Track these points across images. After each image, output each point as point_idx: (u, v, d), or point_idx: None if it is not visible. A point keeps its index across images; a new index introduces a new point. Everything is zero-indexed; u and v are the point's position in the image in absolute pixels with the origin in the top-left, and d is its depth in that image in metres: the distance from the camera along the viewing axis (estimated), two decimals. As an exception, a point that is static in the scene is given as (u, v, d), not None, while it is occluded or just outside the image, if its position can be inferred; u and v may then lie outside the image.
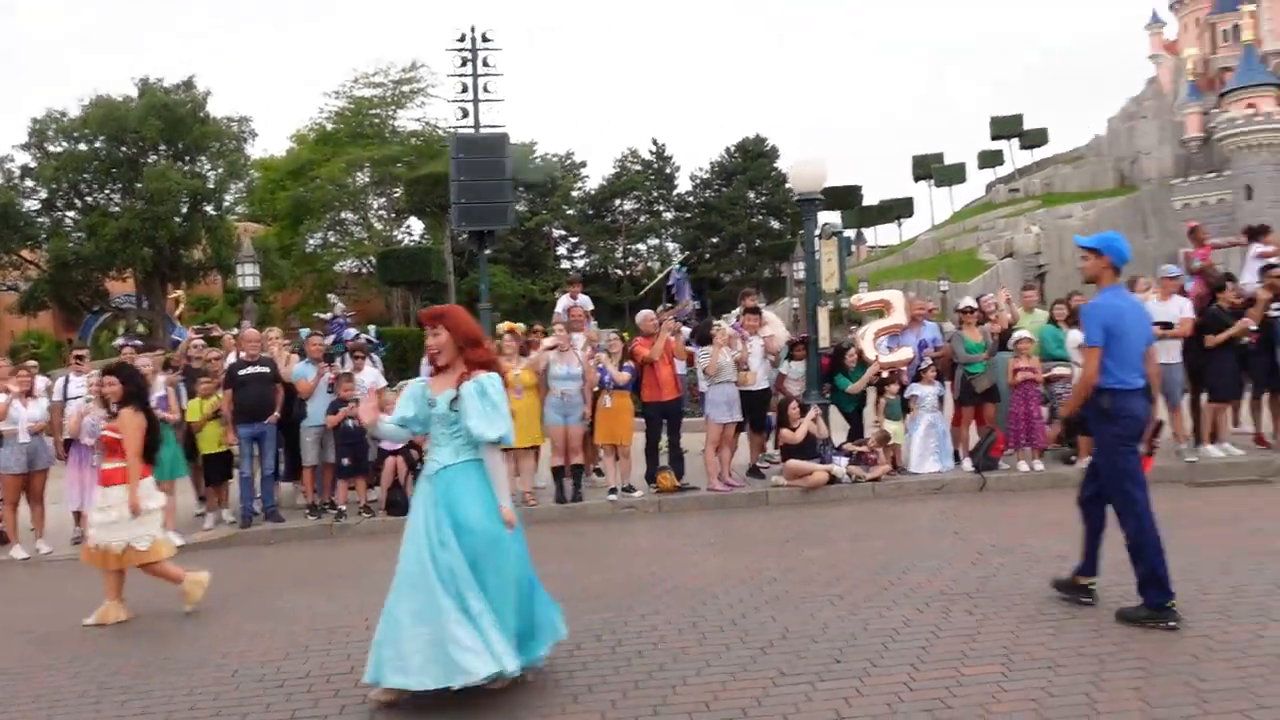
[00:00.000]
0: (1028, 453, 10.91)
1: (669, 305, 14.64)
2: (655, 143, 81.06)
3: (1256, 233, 12.74)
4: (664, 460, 10.98)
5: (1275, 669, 4.57)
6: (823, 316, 11.44)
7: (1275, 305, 10.97)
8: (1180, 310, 10.89)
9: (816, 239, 11.65)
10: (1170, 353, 10.83)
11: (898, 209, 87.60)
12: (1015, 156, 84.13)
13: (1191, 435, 11.25)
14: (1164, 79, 75.04)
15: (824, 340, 11.57)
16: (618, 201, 79.12)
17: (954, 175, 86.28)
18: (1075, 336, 10.85)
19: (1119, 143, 73.18)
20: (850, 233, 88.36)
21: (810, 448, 10.81)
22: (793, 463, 10.67)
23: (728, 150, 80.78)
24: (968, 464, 11.07)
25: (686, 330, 12.36)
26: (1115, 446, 5.74)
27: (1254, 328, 10.90)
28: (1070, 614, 5.66)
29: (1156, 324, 10.76)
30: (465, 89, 16.26)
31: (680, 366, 11.33)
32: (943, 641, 5.28)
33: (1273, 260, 11.96)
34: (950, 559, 7.34)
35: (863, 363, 11.50)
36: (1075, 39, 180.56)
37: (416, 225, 54.07)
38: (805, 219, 11.43)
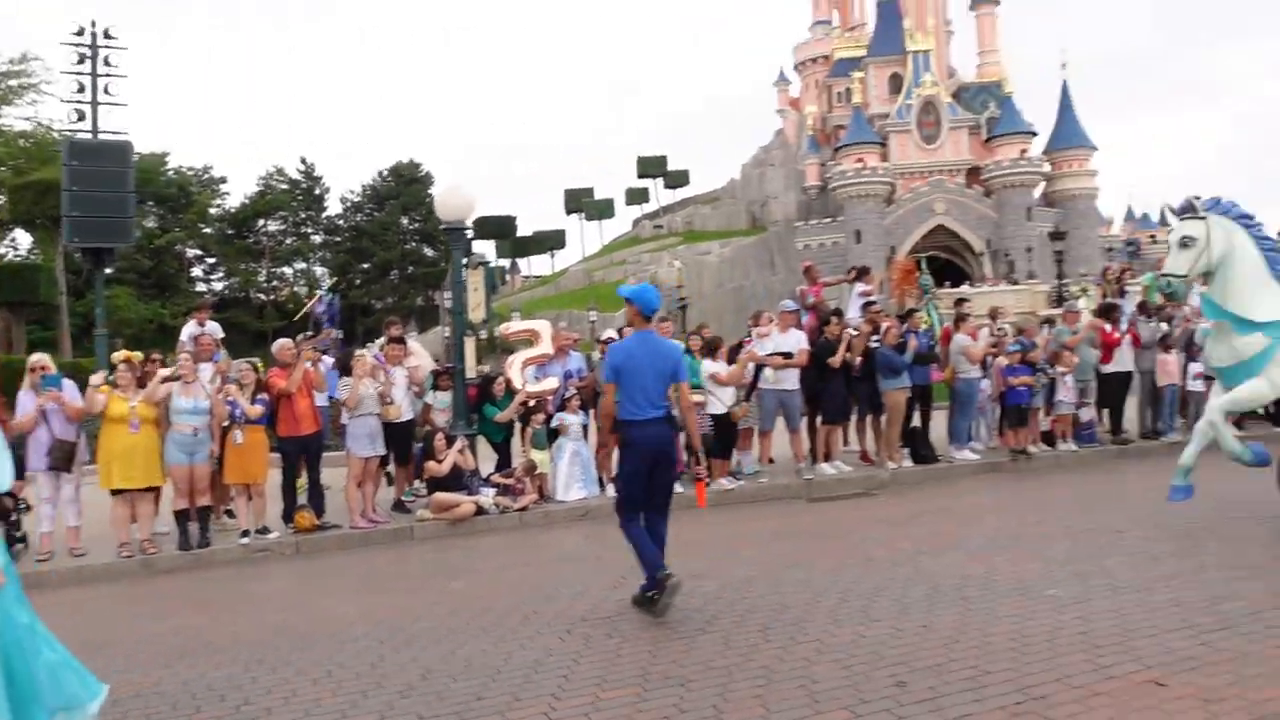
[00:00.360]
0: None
1: (310, 334, 13.93)
2: (304, 161, 77.96)
3: (859, 273, 14.25)
4: (302, 498, 10.38)
5: (875, 665, 4.98)
6: (469, 346, 11.38)
7: (875, 337, 12.28)
8: (798, 342, 11.90)
9: (464, 268, 11.58)
10: (790, 380, 11.80)
11: (551, 240, 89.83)
12: (660, 195, 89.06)
13: (809, 455, 12.30)
14: (789, 132, 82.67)
15: (471, 370, 11.49)
16: (262, 222, 75.02)
17: (604, 210, 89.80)
18: (709, 366, 11.54)
19: (751, 187, 79.62)
20: (505, 262, 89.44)
21: (457, 480, 10.66)
22: (439, 495, 10.46)
23: (381, 173, 79.28)
24: (612, 490, 11.38)
25: (328, 360, 11.82)
26: (623, 466, 6.68)
27: (857, 360, 12.13)
28: (701, 629, 5.89)
29: (777, 354, 11.74)
30: (82, 89, 14.67)
31: (320, 398, 10.79)
32: (583, 667, 5.31)
33: (873, 298, 13.43)
34: (593, 584, 7.47)
35: (510, 392, 11.54)
36: (716, 90, 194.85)
37: (24, 238, 48.25)
38: (452, 248, 11.33)
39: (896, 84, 69.09)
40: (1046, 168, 67.16)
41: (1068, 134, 68.24)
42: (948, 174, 66.57)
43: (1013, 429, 12.71)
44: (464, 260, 11.69)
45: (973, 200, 65.89)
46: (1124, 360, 13.39)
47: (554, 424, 11.42)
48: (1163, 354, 13.40)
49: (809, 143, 75.43)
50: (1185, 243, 7.74)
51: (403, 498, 11.42)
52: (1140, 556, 7.07)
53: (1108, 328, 13.34)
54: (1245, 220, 7.91)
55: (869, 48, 71.98)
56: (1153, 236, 70.22)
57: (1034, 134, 67.70)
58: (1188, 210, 7.86)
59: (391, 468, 11.70)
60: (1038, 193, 67.22)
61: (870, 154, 65.93)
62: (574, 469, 11.30)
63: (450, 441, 10.84)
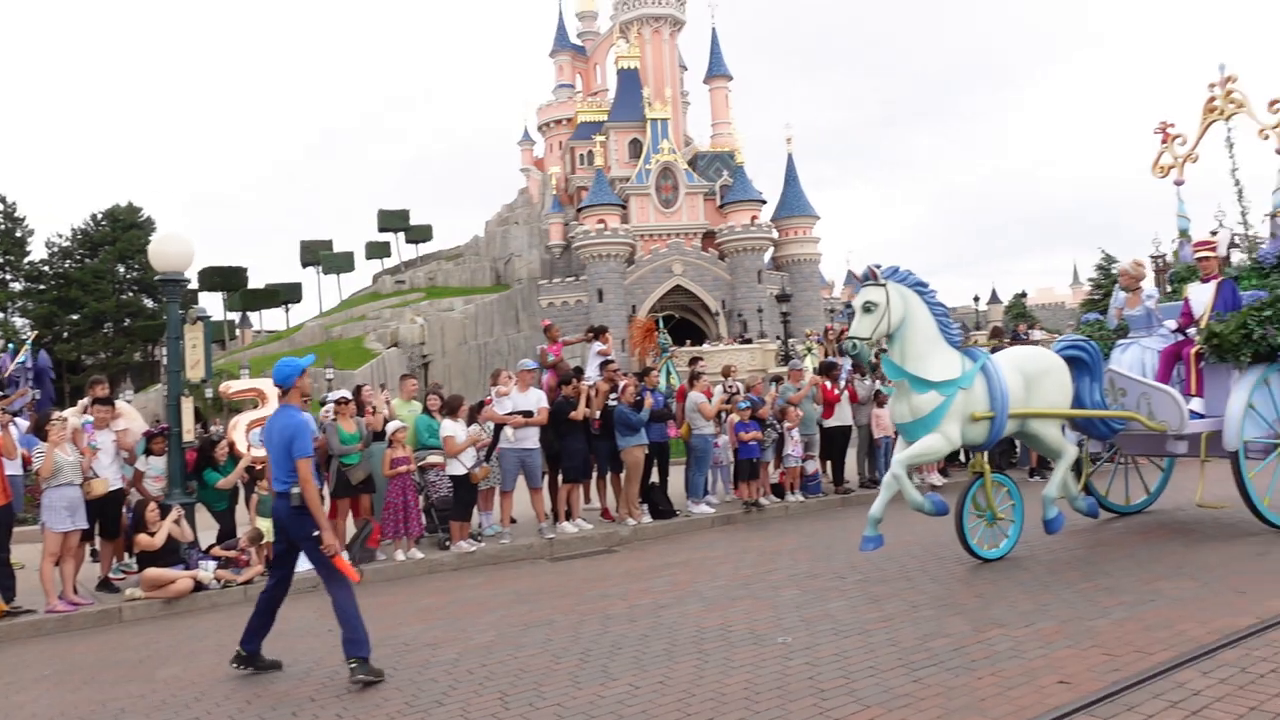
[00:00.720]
0: (404, 541, 11.02)
1: (2, 394, 12.51)
2: (4, 201, 70.85)
3: (597, 333, 14.46)
4: (-12, 580, 9.22)
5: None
6: (187, 407, 10.58)
7: (613, 395, 12.48)
8: (538, 400, 11.90)
9: (181, 323, 10.78)
10: (530, 439, 11.76)
11: (285, 294, 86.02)
12: (402, 250, 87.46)
13: (550, 514, 12.26)
14: (533, 190, 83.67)
15: (189, 433, 10.67)
16: (-52, 268, 67.45)
17: (343, 263, 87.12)
18: (447, 427, 11.32)
19: (495, 244, 79.74)
20: (235, 316, 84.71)
21: (172, 553, 9.83)
22: (151, 571, 9.58)
23: (94, 217, 73.24)
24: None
25: (21, 422, 10.65)
26: None
27: (598, 415, 12.27)
28: (437, 700, 5.67)
29: (517, 413, 11.67)
30: None
31: (11, 466, 9.64)
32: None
33: (610, 357, 13.67)
34: (325, 659, 7.05)
35: (235, 456, 10.81)
36: (461, 146, 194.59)
37: None
38: (169, 300, 10.54)
39: (637, 149, 71.63)
40: (775, 234, 71.45)
41: (793, 203, 73.01)
42: (685, 237, 69.46)
43: (745, 482, 13.23)
44: (182, 313, 10.90)
45: (708, 263, 69.04)
46: (843, 415, 14.30)
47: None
48: (877, 409, 14.39)
49: (552, 202, 76.66)
50: (868, 308, 8.15)
51: (110, 575, 10.39)
52: (861, 600, 7.47)
53: (828, 385, 14.21)
54: (920, 287, 8.46)
55: (610, 113, 74.31)
56: (868, 299, 75.92)
57: (764, 201, 71.96)
58: (869, 278, 8.29)
59: (97, 542, 10.63)
60: (767, 256, 71.32)
61: (611, 215, 67.78)
62: (305, 537, 10.68)
63: (165, 511, 10.00)
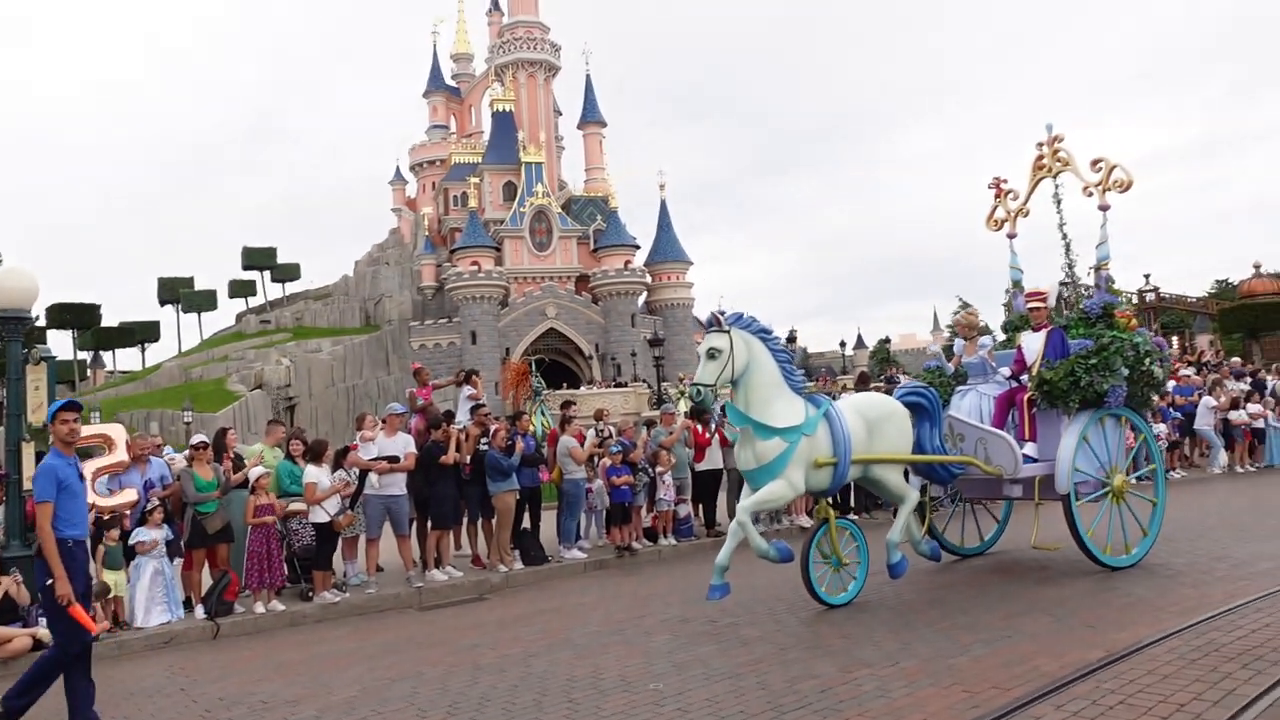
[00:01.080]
0: (265, 593, 10.59)
1: None
2: None
3: (467, 376, 14.28)
4: None
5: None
6: (28, 453, 9.96)
7: (484, 440, 12.33)
8: (405, 445, 11.66)
9: (23, 363, 10.15)
10: (397, 485, 11.51)
11: (142, 332, 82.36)
12: (268, 289, 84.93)
13: (419, 562, 11.98)
14: (405, 230, 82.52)
15: (28, 481, 10.01)
16: None
17: (204, 302, 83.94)
18: (310, 472, 10.98)
19: (365, 284, 78.16)
20: (86, 355, 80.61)
21: (10, 611, 9.20)
22: (-15, 629, 8.95)
23: (-69, 254, 68.94)
24: (200, 611, 10.39)
25: None
26: None
27: (468, 460, 12.09)
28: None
29: (384, 458, 11.43)
30: None
31: None
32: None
33: (481, 400, 13.52)
34: (174, 718, 6.68)
35: (80, 505, 10.20)
36: (331, 183, 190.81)
37: None
38: (10, 340, 9.93)
39: (511, 192, 71.57)
40: (648, 278, 72.21)
41: (666, 248, 73.98)
42: (559, 280, 69.55)
43: (617, 526, 13.21)
44: (25, 352, 10.28)
45: (582, 306, 69.25)
46: (714, 458, 14.44)
47: (132, 540, 10.22)
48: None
49: (425, 243, 75.81)
50: (712, 354, 8.14)
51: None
52: (732, 643, 7.52)
53: (699, 428, 14.35)
54: (764, 334, 8.53)
55: (484, 155, 74.16)
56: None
57: (637, 246, 72.71)
58: (713, 324, 8.35)
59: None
60: (641, 301, 71.97)
61: (485, 258, 67.39)
62: (155, 590, 10.17)
63: (3, 568, 9.38)
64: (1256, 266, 46.22)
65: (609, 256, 70.17)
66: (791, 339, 54.89)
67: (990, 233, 11.22)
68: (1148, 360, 9.58)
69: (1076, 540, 9.19)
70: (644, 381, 58.18)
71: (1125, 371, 9.34)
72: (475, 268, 66.39)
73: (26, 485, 9.94)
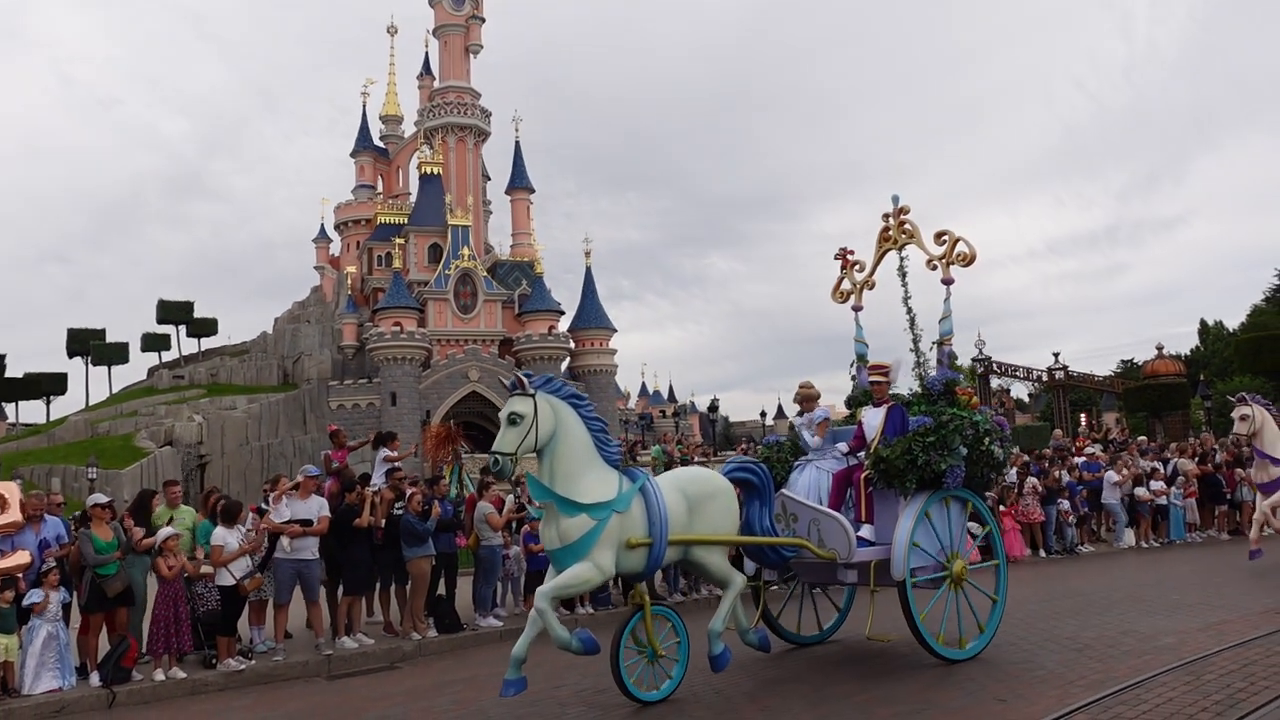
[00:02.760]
0: (165, 659, 10.19)
1: None
2: None
3: (383, 439, 14.07)
4: None
5: None
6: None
7: (399, 504, 12.13)
8: (319, 508, 11.41)
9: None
10: (309, 548, 11.23)
11: (47, 384, 79.63)
12: (183, 343, 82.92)
13: (329, 628, 11.67)
14: (327, 288, 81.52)
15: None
16: None
17: (116, 354, 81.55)
18: (218, 533, 10.69)
19: (284, 341, 76.82)
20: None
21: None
22: None
23: None
24: (95, 678, 9.95)
25: None
26: None
27: (382, 524, 11.85)
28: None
29: (296, 521, 11.18)
30: None
31: None
32: None
33: (397, 464, 13.32)
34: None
35: (-32, 563, 9.76)
36: (252, 238, 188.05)
37: None
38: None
39: (436, 254, 71.31)
40: (572, 344, 72.32)
41: (590, 315, 74.24)
42: (483, 344, 69.17)
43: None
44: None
45: (505, 370, 68.82)
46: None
47: (26, 602, 9.77)
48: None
49: (347, 302, 74.93)
50: (513, 420, 7.56)
51: None
52: (647, 716, 7.42)
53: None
54: (575, 400, 8.01)
55: (411, 216, 73.89)
56: (663, 411, 77.79)
57: (562, 312, 72.84)
58: (517, 387, 7.81)
59: None
60: (564, 366, 71.93)
61: (408, 319, 66.81)
62: (48, 655, 9.72)
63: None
64: (1159, 348, 48.08)
65: (533, 321, 70.19)
66: (714, 408, 55.33)
67: (836, 304, 10.85)
68: (987, 440, 9.13)
69: (912, 629, 8.69)
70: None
71: (964, 451, 8.92)
72: (398, 328, 65.76)
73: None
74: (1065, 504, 18.95)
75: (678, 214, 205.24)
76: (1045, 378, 45.82)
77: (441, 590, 12.74)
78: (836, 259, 10.85)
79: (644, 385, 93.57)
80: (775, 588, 10.45)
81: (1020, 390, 53.01)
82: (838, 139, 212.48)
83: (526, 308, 70.98)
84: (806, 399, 10.03)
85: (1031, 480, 18.72)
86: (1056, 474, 19.30)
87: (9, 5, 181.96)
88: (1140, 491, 19.78)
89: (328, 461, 13.42)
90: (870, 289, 10.70)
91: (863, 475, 9.09)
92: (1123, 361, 79.37)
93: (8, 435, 72.48)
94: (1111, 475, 19.82)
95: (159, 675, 10.12)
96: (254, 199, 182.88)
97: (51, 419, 76.24)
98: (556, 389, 7.98)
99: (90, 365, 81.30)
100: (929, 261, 9.89)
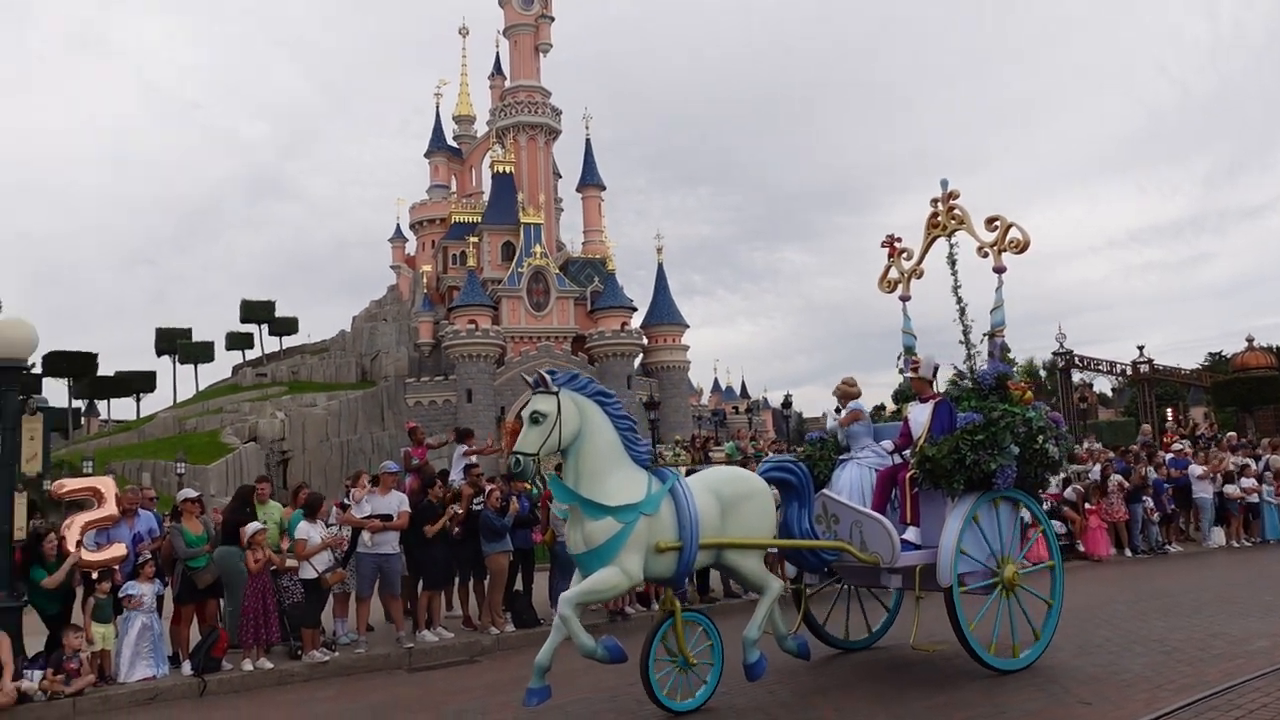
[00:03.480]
0: (254, 650, 10.48)
1: None
2: None
3: (463, 435, 14.30)
4: None
5: None
6: (20, 503, 9.91)
7: (478, 500, 12.29)
8: (399, 504, 11.62)
9: (19, 413, 10.13)
10: (389, 543, 11.44)
11: (138, 382, 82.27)
12: (265, 342, 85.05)
13: (410, 622, 11.87)
14: (404, 287, 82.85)
15: (20, 531, 9.96)
16: None
17: (201, 353, 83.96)
18: (302, 528, 10.94)
19: (362, 339, 78.27)
20: (81, 404, 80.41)
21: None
22: (-34, 683, 8.85)
23: (-71, 299, 69.05)
24: (187, 667, 10.27)
25: None
26: None
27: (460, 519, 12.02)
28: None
29: (376, 516, 11.39)
30: None
31: None
32: None
33: (474, 460, 13.50)
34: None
35: (64, 554, 10.15)
36: (332, 238, 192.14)
37: None
38: (6, 389, 9.94)
39: (509, 252, 72.07)
40: (644, 340, 72.47)
41: (662, 311, 74.34)
42: (555, 340, 69.73)
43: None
44: (22, 399, 10.29)
45: (578, 366, 69.38)
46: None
47: (122, 594, 10.14)
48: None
49: (423, 300, 76.07)
50: (536, 419, 7.22)
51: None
52: (727, 714, 7.40)
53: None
54: (601, 397, 7.67)
55: (484, 215, 74.79)
56: (735, 408, 77.53)
57: (634, 308, 73.05)
58: (540, 385, 7.44)
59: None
60: (637, 363, 72.13)
61: (482, 316, 67.63)
62: (142, 645, 10.08)
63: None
64: (1249, 340, 46.46)
65: (605, 318, 70.49)
66: (787, 404, 54.94)
67: (884, 294, 10.36)
68: (1040, 437, 8.56)
69: (959, 637, 8.27)
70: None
71: (1016, 450, 8.40)
72: (472, 326, 66.59)
73: (19, 536, 9.91)
74: (1150, 501, 18.45)
75: (748, 208, 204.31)
76: (1129, 371, 44.53)
77: (519, 585, 12.88)
78: (883, 246, 10.37)
79: (716, 381, 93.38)
80: (814, 592, 9.92)
81: (1103, 384, 51.57)
82: (907, 128, 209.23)
83: (599, 304, 71.30)
84: (846, 395, 9.63)
85: (1116, 477, 18.26)
86: (1143, 470, 18.80)
87: (95, 16, 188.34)
88: (1230, 489, 19.18)
89: (408, 458, 13.66)
90: (918, 278, 10.19)
91: (908, 475, 8.65)
92: (1210, 354, 76.94)
93: (100, 431, 75.11)
94: (1195, 468, 19.25)
95: (247, 665, 10.41)
96: (330, 199, 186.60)
97: (141, 416, 78.76)
98: (582, 386, 7.66)
99: (178, 364, 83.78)
100: (980, 249, 9.40)
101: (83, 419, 79.77)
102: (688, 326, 75.26)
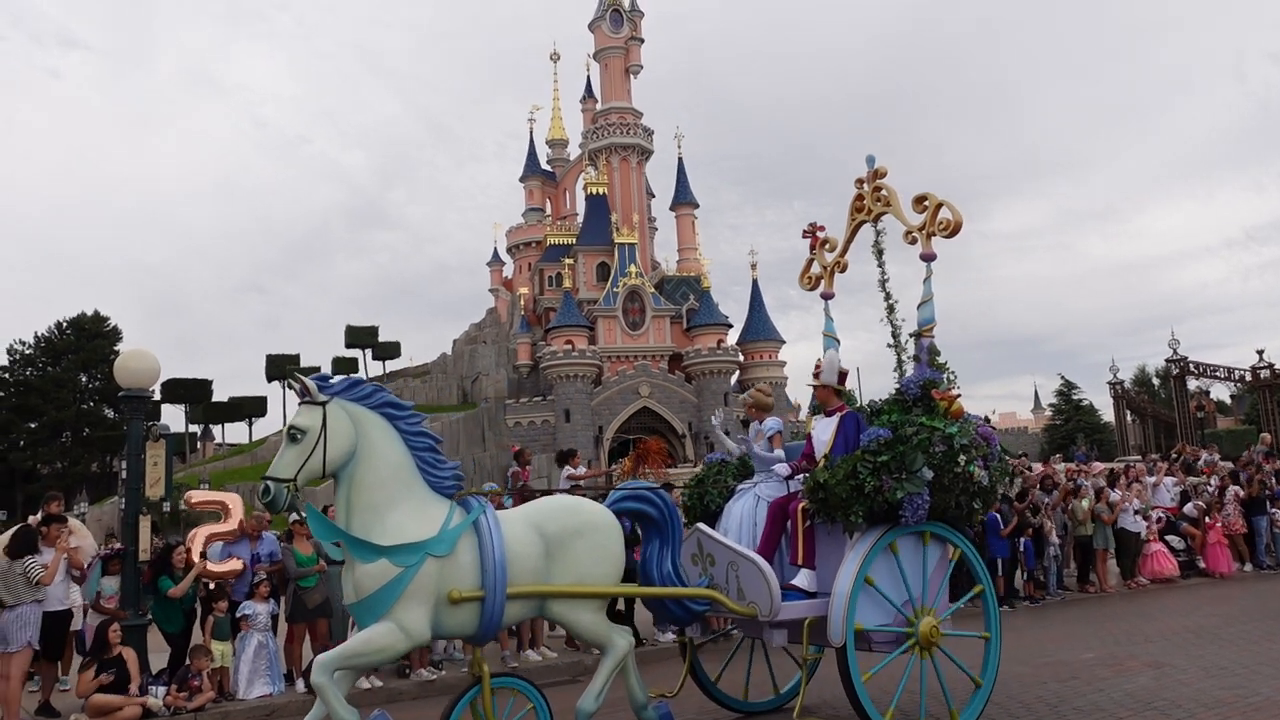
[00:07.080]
0: (363, 668, 10.69)
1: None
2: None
3: (566, 456, 14.41)
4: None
5: None
6: (144, 526, 10.36)
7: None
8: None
9: (143, 439, 10.60)
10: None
11: (250, 407, 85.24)
12: (369, 366, 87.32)
13: (514, 641, 12.00)
14: (501, 310, 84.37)
15: (144, 553, 10.42)
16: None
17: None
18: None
19: (462, 362, 79.85)
20: (197, 428, 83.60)
21: (123, 681, 9.50)
22: (97, 697, 9.24)
23: (59, 324, 72.62)
24: (301, 685, 10.55)
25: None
26: None
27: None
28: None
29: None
30: None
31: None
32: None
33: (581, 481, 13.59)
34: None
35: (192, 565, 10.56)
36: (431, 264, 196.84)
37: None
38: (132, 417, 10.43)
39: (604, 272, 72.75)
40: (741, 357, 72.23)
41: (758, 328, 74.09)
42: (652, 359, 70.03)
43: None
44: (147, 425, 10.78)
45: (675, 385, 69.46)
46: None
47: (239, 614, 10.50)
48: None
49: (521, 322, 77.26)
50: (293, 435, 5.96)
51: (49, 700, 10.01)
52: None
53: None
54: (390, 409, 6.31)
55: (579, 237, 75.70)
56: (833, 423, 76.36)
57: (730, 325, 72.98)
58: (304, 394, 6.10)
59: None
60: (734, 379, 71.91)
61: (579, 337, 68.35)
62: (259, 663, 10.40)
63: (130, 633, 9.74)
64: (1385, 346, 44.02)
65: (701, 336, 70.51)
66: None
67: (805, 291, 9.02)
68: (963, 458, 6.83)
69: (857, 710, 6.68)
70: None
71: (929, 474, 6.74)
72: (569, 347, 67.33)
73: (144, 557, 10.34)
74: (1278, 514, 17.60)
75: (845, 220, 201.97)
76: (1249, 377, 42.62)
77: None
78: (804, 237, 8.97)
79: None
80: (703, 643, 8.47)
81: (1221, 391, 49.42)
82: (1008, 132, 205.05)
83: (694, 322, 71.37)
84: (757, 407, 8.11)
85: (1233, 488, 17.47)
86: (1262, 481, 17.95)
87: (207, 56, 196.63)
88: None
89: (514, 479, 13.84)
90: (842, 271, 8.81)
91: (800, 505, 7.18)
92: (1340, 360, 73.04)
93: (215, 455, 77.93)
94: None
95: (362, 683, 10.64)
96: (429, 225, 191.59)
97: (254, 440, 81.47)
98: (364, 395, 6.26)
99: (287, 389, 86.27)
100: (907, 233, 7.93)
101: (199, 443, 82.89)
102: (784, 342, 74.89)
